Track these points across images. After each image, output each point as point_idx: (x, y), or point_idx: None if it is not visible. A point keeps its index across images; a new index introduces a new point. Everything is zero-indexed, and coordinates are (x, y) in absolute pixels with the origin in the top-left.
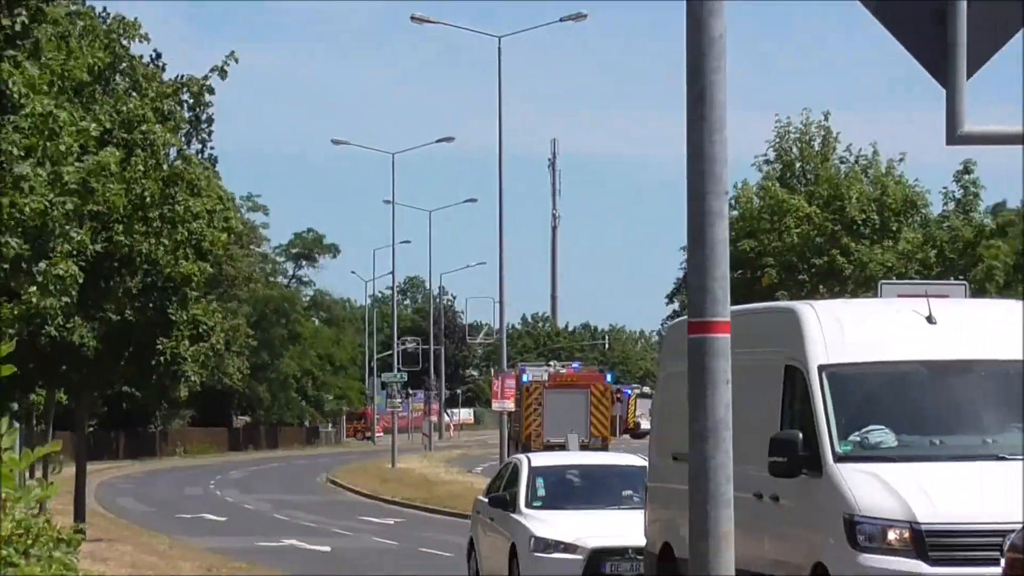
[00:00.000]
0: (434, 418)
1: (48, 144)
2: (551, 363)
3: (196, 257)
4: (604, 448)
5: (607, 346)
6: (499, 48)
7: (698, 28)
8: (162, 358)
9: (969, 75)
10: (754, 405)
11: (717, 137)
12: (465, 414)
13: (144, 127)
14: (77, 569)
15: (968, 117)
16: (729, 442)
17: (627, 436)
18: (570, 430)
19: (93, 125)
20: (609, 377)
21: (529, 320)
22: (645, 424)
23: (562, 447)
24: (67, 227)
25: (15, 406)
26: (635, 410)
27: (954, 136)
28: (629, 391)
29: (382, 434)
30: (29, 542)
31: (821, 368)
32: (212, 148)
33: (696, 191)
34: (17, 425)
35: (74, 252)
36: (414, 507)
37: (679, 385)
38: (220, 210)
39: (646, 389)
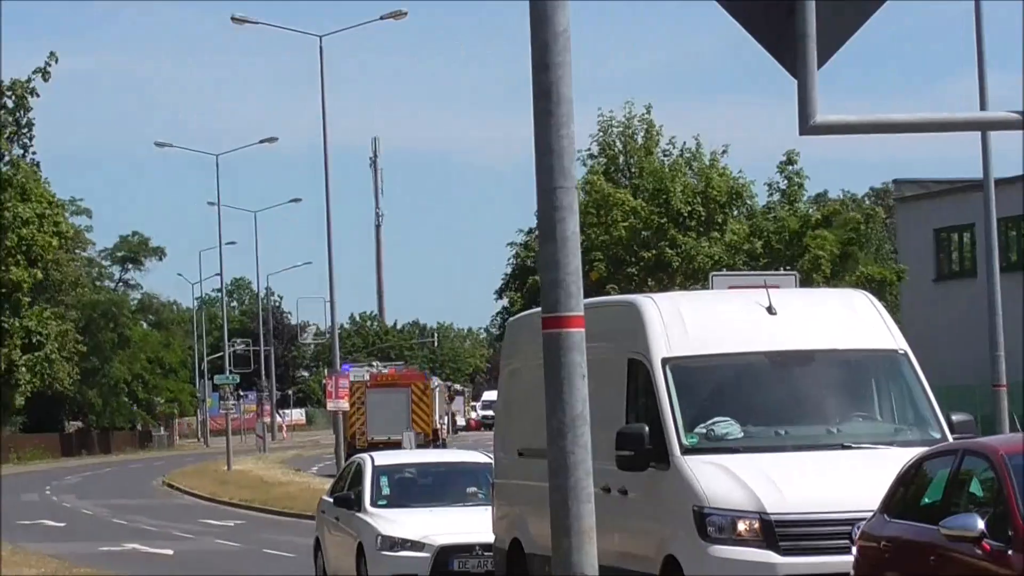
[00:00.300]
0: (267, 419)
1: None
2: (374, 364)
3: (26, 263)
4: (435, 443)
5: (436, 343)
6: (320, 47)
7: (543, 22)
8: None
9: (820, 65)
10: (599, 399)
11: (564, 132)
12: (297, 414)
13: None
14: None
15: (820, 107)
16: (587, 437)
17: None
18: (394, 428)
19: None
20: (428, 377)
21: (357, 319)
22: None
23: (387, 445)
24: None
25: None
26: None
27: (807, 126)
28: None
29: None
30: None
31: (664, 361)
32: (34, 152)
33: (545, 186)
34: None
35: None
36: (253, 508)
37: (522, 381)
38: (49, 215)
39: (457, 386)
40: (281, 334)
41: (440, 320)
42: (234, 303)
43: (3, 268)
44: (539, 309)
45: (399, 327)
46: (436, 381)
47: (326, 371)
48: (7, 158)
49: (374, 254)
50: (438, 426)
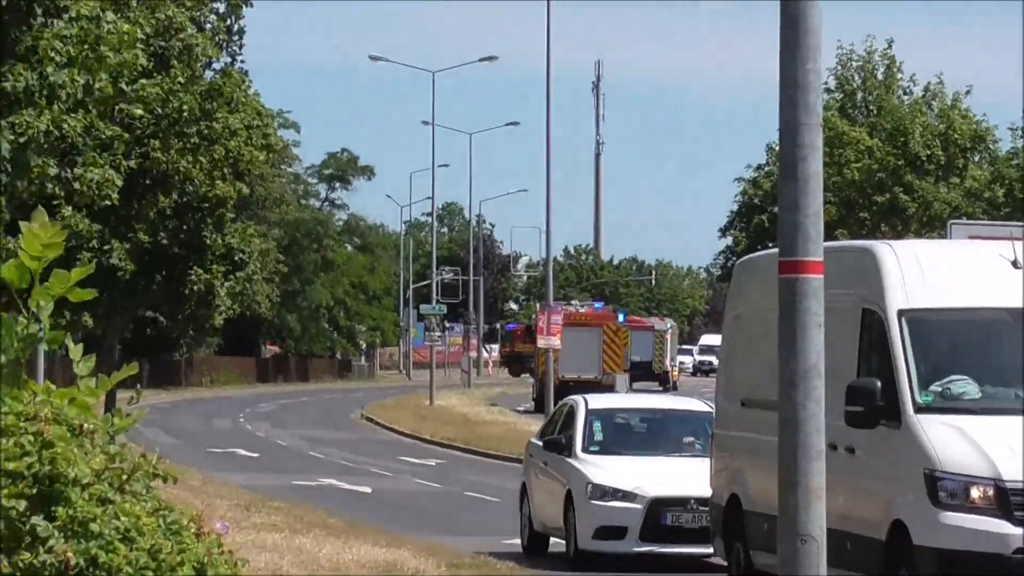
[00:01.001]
0: (473, 354)
1: (91, 54)
2: (572, 302)
3: (233, 177)
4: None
5: (654, 282)
6: None
7: None
8: (196, 287)
9: None
10: (829, 351)
11: (811, 66)
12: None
13: (183, 35)
14: (173, 507)
15: None
16: (821, 390)
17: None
18: (585, 366)
19: (136, 29)
20: (621, 317)
21: (572, 252)
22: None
23: (577, 383)
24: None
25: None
26: (666, 351)
27: None
28: (666, 326)
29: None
30: (124, 476)
31: (901, 313)
32: (243, 61)
33: (789, 123)
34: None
35: (107, 163)
36: (455, 448)
37: (748, 326)
38: (258, 127)
39: (668, 325)
40: (492, 264)
41: (659, 257)
42: (444, 229)
43: (209, 182)
44: (770, 251)
45: (615, 263)
46: (669, 323)
47: (537, 305)
48: (217, 66)
49: (592, 184)
50: (668, 368)
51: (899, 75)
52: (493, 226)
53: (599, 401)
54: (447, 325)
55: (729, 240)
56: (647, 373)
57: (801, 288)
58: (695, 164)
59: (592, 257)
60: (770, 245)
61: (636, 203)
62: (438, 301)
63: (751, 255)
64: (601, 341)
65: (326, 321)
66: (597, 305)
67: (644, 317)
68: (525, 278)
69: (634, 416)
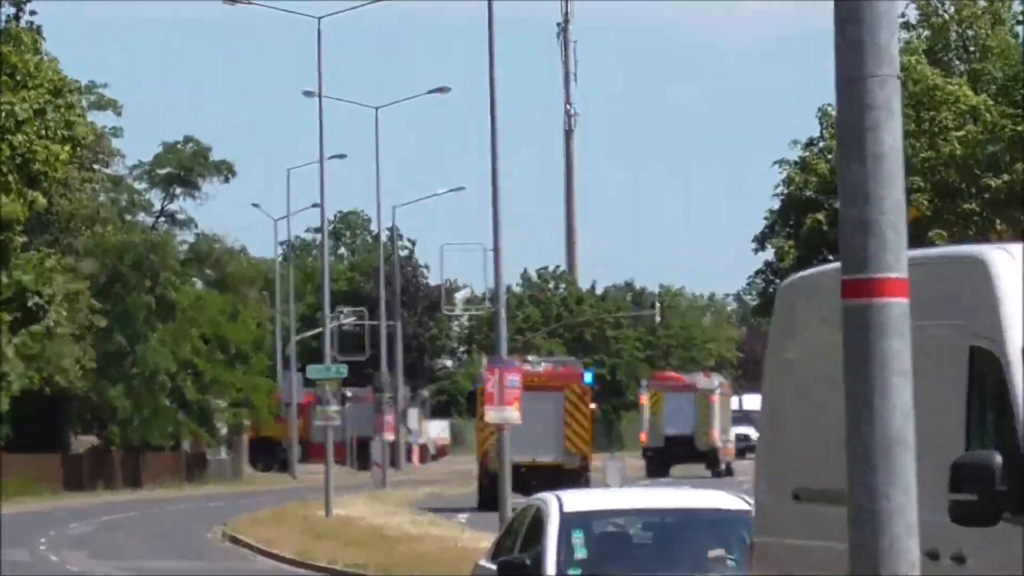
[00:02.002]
0: (389, 437)
1: None
2: (528, 358)
3: (23, 185)
4: (582, 468)
5: (657, 319)
6: None
7: None
8: None
9: None
10: (920, 410)
11: None
12: (437, 429)
13: None
14: None
15: None
16: (911, 472)
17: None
18: (541, 446)
19: None
20: (588, 377)
21: (535, 280)
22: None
23: (530, 470)
24: None
25: None
26: (714, 419)
27: None
28: (713, 383)
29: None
30: None
31: None
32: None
33: (848, 74)
34: None
35: None
36: None
37: (801, 379)
38: (58, 108)
39: (716, 383)
40: (414, 302)
41: (663, 282)
42: (341, 250)
43: None
44: (829, 266)
45: (599, 292)
46: (717, 380)
47: (483, 360)
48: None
49: (562, 177)
50: (718, 444)
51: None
52: (414, 244)
53: (579, 500)
54: (349, 395)
55: (769, 254)
56: (689, 451)
57: (876, 319)
58: (713, 145)
59: (565, 284)
60: (831, 258)
61: (626, 202)
62: (335, 360)
63: (802, 273)
64: (562, 411)
65: (167, 396)
66: (569, 360)
67: (679, 371)
68: (465, 320)
69: (634, 522)
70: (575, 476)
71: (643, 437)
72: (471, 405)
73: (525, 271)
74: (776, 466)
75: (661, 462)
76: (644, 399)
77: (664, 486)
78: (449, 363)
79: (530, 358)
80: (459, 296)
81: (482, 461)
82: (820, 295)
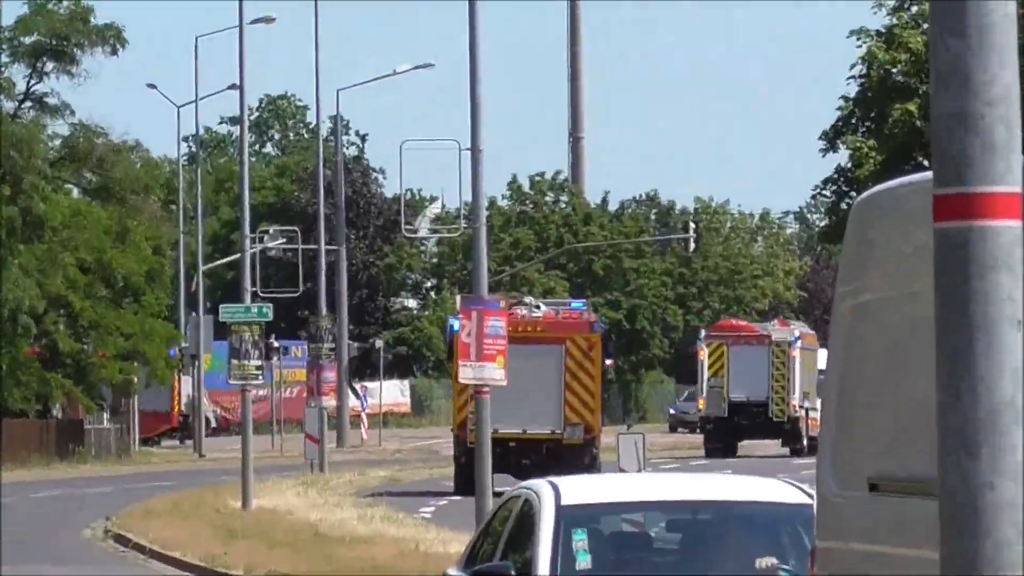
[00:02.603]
0: (328, 400)
1: None
2: (525, 299)
3: None
4: (589, 444)
5: (691, 246)
6: None
7: None
8: None
9: None
10: None
11: None
12: (394, 392)
13: None
14: None
15: None
16: (1022, 453)
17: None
18: (535, 415)
19: None
20: (599, 324)
21: (528, 189)
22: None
23: (521, 444)
24: None
25: None
26: (794, 382)
27: None
28: (792, 333)
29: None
30: None
31: None
32: None
33: None
34: None
35: None
36: None
37: (882, 329)
38: None
39: (796, 335)
40: (364, 218)
41: (699, 195)
42: (267, 148)
43: None
44: (919, 177)
45: (612, 206)
46: (797, 330)
47: (457, 300)
48: None
49: (564, 54)
50: (798, 413)
51: None
52: (364, 140)
53: (583, 490)
54: (276, 345)
55: (843, 156)
56: (760, 422)
57: (977, 248)
58: (764, 7)
59: (568, 199)
60: (925, 164)
61: (650, 91)
62: (258, 296)
63: (885, 185)
64: (563, 368)
65: (31, 343)
66: (576, 304)
67: (747, 320)
68: (433, 245)
69: (655, 519)
70: (579, 455)
71: (700, 403)
72: (442, 361)
73: (514, 179)
74: (847, 446)
75: (724, 436)
76: (702, 354)
77: (697, 472)
78: (411, 303)
79: (527, 299)
80: (425, 213)
81: (458, 433)
82: (909, 215)
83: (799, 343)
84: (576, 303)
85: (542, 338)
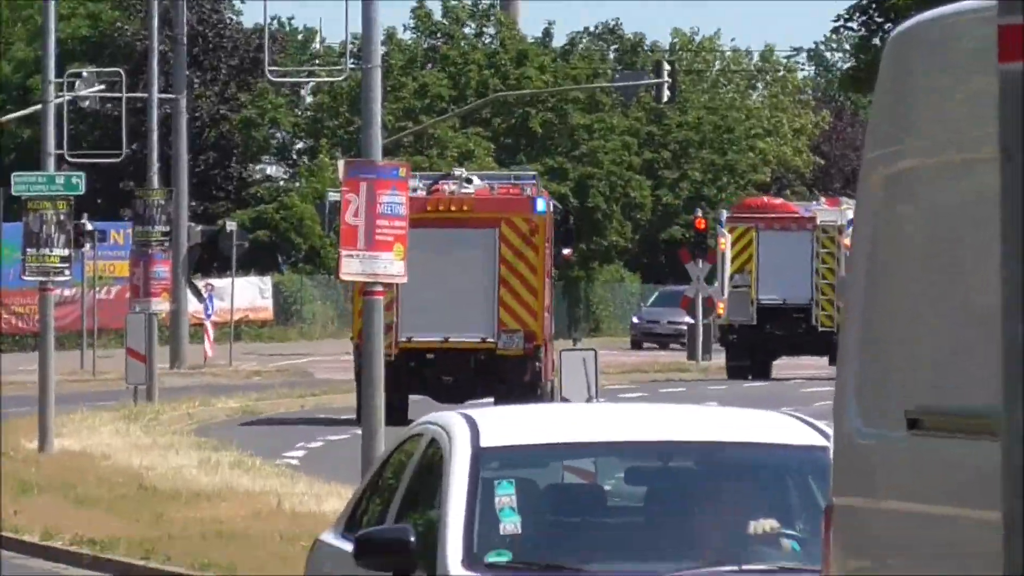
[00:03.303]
0: (160, 305)
1: None
2: (456, 171)
3: None
4: (529, 356)
5: (666, 89)
6: None
7: None
8: None
9: None
10: None
11: None
12: (249, 292)
13: None
14: None
15: None
16: None
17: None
18: (455, 318)
19: None
20: (540, 204)
21: (438, 15)
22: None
23: (442, 356)
24: None
25: None
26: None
27: None
28: (840, 214)
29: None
30: None
31: None
32: None
33: None
34: None
35: None
36: (115, 563)
37: (931, 209)
38: None
39: (846, 215)
40: (213, 56)
41: (678, 26)
42: None
43: None
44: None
45: (556, 40)
46: (847, 209)
47: (339, 164)
48: None
49: None
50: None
51: None
52: None
53: (508, 426)
54: (89, 228)
55: None
56: (801, 332)
57: None
58: None
59: (497, 31)
60: None
61: None
62: (65, 162)
63: (932, 13)
64: (496, 258)
65: None
66: (522, 178)
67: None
68: (307, 94)
69: (611, 466)
70: (518, 371)
71: (720, 307)
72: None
73: (421, 2)
74: (877, 369)
75: (752, 351)
76: (723, 243)
77: (669, 402)
78: (276, 172)
79: (456, 171)
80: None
81: (359, 343)
82: (966, 53)
83: (851, 230)
84: (524, 176)
85: (469, 220)
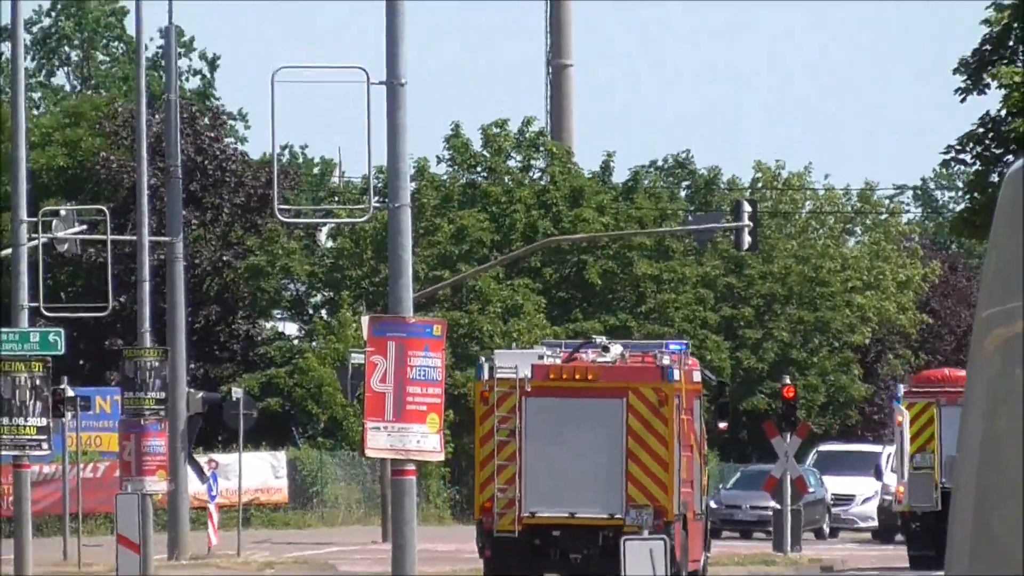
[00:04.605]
0: (155, 484)
1: None
2: (597, 339)
3: None
4: (663, 530)
5: (747, 233)
6: None
7: None
8: None
9: None
10: None
11: None
12: (260, 470)
13: None
14: None
15: None
16: None
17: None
18: (583, 493)
19: None
20: (674, 373)
21: (477, 145)
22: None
23: (569, 533)
24: None
25: None
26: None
27: None
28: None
29: None
30: None
31: None
32: None
33: None
34: None
35: None
36: None
37: None
38: None
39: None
40: (214, 192)
41: (761, 159)
42: (58, 76)
43: None
44: None
45: (617, 175)
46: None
47: (363, 320)
48: None
49: None
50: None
51: None
52: (215, 65)
53: None
54: (71, 394)
55: (991, 98)
56: None
57: None
58: None
59: (548, 160)
60: None
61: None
62: (42, 316)
63: None
64: (624, 428)
65: None
66: (674, 347)
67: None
68: (325, 237)
69: None
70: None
71: (899, 492)
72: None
73: (457, 130)
74: (990, 567)
75: (938, 539)
76: (900, 420)
77: None
78: (289, 329)
79: (597, 339)
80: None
81: (482, 519)
82: None
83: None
84: (675, 345)
85: (596, 389)
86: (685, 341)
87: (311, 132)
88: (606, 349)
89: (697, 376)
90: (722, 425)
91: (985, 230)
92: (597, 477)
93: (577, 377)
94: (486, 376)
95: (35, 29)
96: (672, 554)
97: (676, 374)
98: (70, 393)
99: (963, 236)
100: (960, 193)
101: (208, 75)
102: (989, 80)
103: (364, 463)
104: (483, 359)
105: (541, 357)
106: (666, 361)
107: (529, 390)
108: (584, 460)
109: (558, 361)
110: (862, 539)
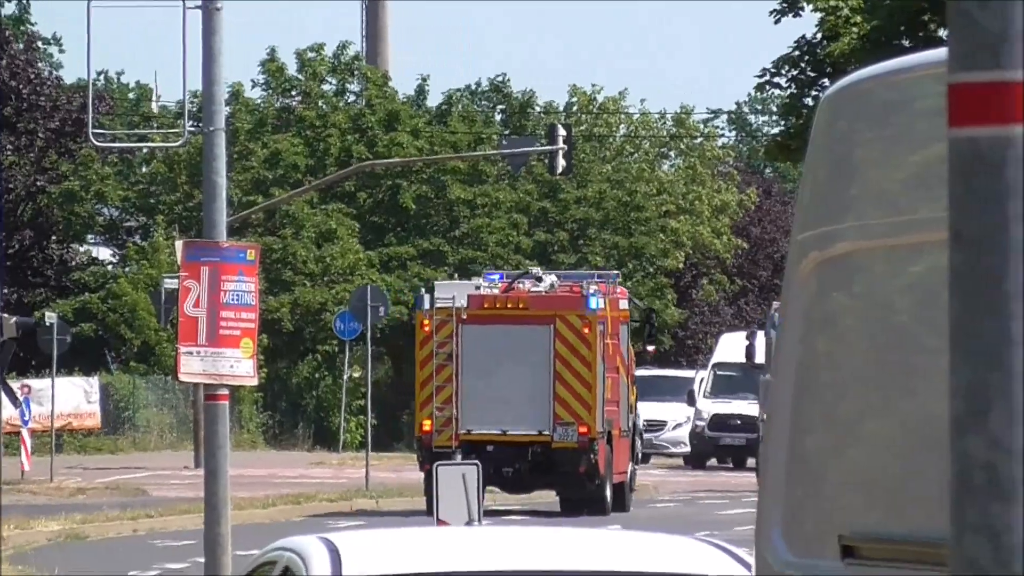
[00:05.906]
0: None
1: None
2: (534, 270)
3: None
4: (584, 450)
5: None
6: None
7: None
8: None
9: None
10: None
11: None
12: (72, 395)
13: None
14: None
15: None
16: None
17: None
18: (514, 411)
19: None
20: (593, 302)
21: (293, 69)
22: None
23: (501, 448)
24: None
25: None
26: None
27: None
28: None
29: None
30: None
31: None
32: None
33: None
34: None
35: None
36: None
37: (872, 301)
38: None
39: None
40: (27, 117)
41: (574, 82)
42: None
43: None
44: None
45: (432, 99)
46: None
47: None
48: None
49: None
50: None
51: None
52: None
53: (374, 553)
54: None
55: (808, 23)
56: None
57: (1011, 168)
58: None
59: (363, 84)
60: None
61: None
62: None
63: (872, 70)
64: (551, 355)
65: None
66: (576, 274)
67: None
68: (139, 160)
69: None
70: (573, 462)
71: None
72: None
73: (273, 55)
74: (806, 489)
75: None
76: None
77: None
78: (103, 253)
79: (534, 271)
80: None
81: (422, 436)
82: (913, 116)
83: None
84: (606, 275)
85: (526, 317)
86: (616, 272)
87: (128, 59)
88: (540, 280)
89: (624, 304)
90: (650, 348)
91: (800, 154)
92: (527, 397)
93: (509, 306)
94: (427, 306)
95: None
96: (596, 467)
97: (600, 302)
98: None
99: (778, 160)
100: (774, 117)
101: (24, 0)
102: (804, 3)
103: (177, 388)
104: (423, 290)
105: (478, 288)
106: (591, 290)
107: (465, 318)
108: (515, 382)
109: (494, 291)
110: (673, 464)
